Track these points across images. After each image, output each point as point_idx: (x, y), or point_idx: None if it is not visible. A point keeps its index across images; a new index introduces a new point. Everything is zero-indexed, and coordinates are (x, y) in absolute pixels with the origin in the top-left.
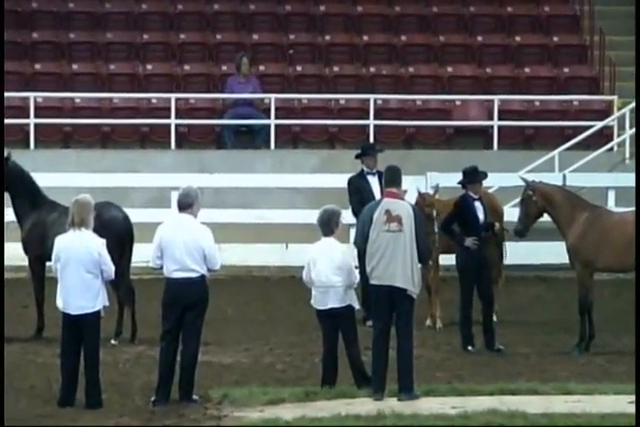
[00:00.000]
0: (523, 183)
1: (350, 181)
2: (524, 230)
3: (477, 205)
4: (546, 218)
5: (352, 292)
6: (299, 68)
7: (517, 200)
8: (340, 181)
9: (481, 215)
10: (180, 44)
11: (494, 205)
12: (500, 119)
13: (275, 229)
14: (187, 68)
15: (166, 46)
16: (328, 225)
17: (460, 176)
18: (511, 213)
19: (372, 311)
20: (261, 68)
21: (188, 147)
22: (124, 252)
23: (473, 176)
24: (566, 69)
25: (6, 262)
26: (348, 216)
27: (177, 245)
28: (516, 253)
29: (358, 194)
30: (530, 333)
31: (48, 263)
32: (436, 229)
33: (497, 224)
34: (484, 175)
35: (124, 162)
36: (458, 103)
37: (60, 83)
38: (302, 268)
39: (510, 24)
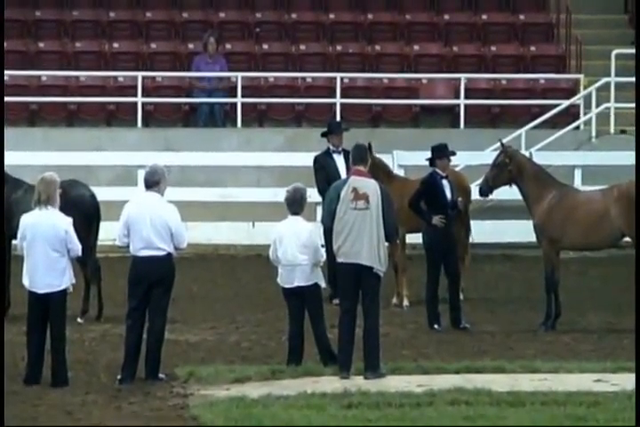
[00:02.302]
0: (489, 162)
1: (316, 160)
2: (488, 191)
3: (445, 183)
4: (511, 196)
5: (318, 270)
6: (265, 47)
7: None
8: (307, 159)
9: (448, 193)
10: (147, 22)
11: (462, 183)
12: (466, 98)
13: (241, 207)
14: (153, 46)
15: (133, 24)
16: (294, 203)
17: (426, 154)
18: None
19: (339, 289)
20: (228, 46)
21: (155, 125)
22: (90, 230)
23: (442, 152)
24: (533, 48)
25: None
26: (314, 194)
27: (143, 223)
28: (483, 231)
29: (324, 172)
30: (496, 311)
31: (13, 241)
32: None
33: (461, 200)
34: (453, 152)
35: (91, 140)
36: (424, 82)
37: (25, 61)
38: (269, 246)
39: (477, 2)
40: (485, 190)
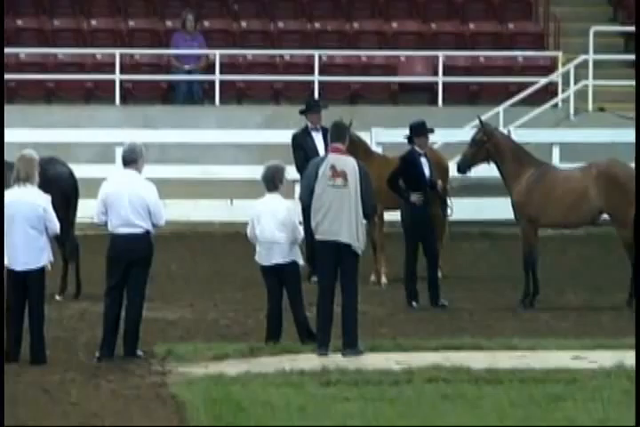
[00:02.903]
0: (467, 139)
1: (294, 138)
2: (465, 168)
3: (423, 160)
4: (490, 174)
5: (296, 248)
6: (243, 24)
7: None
8: (285, 137)
9: (427, 171)
10: (126, 0)
11: (440, 160)
12: (444, 75)
13: (219, 184)
14: (131, 23)
15: (111, 1)
16: (272, 181)
17: (405, 132)
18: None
19: (317, 267)
20: (206, 23)
21: (133, 102)
22: (68, 208)
23: (420, 129)
24: (511, 25)
25: None
26: (292, 172)
27: (121, 200)
28: (461, 209)
29: (302, 150)
30: (474, 289)
31: None
32: None
33: (439, 182)
34: (431, 130)
35: (69, 117)
36: (403, 59)
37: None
38: (247, 224)
39: None
40: (463, 168)
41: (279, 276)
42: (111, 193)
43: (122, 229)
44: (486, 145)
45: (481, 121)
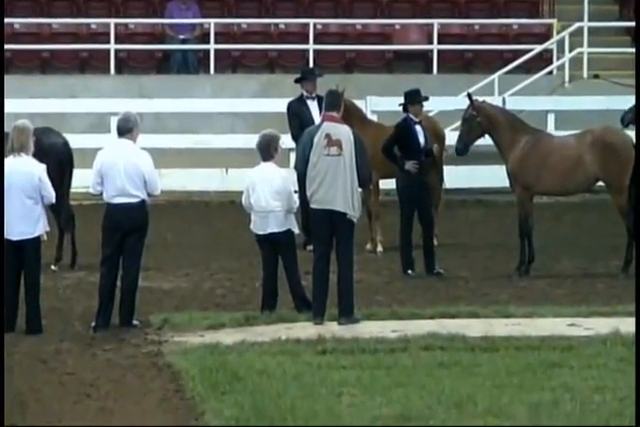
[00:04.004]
0: (463, 107)
1: (290, 106)
2: (464, 149)
3: (418, 128)
4: (485, 142)
5: (292, 216)
6: None
7: (458, 123)
8: (280, 105)
9: (422, 139)
10: None
11: (436, 128)
12: (439, 43)
13: (214, 153)
14: None
15: None
16: (267, 150)
17: (400, 100)
18: (452, 137)
19: (313, 236)
20: None
21: (128, 72)
22: (64, 177)
23: (415, 97)
24: None
25: None
26: (287, 141)
27: (117, 170)
28: (456, 176)
29: (298, 118)
30: (470, 256)
31: None
32: None
33: (435, 146)
34: (426, 98)
35: (64, 87)
36: (397, 27)
37: None
38: (242, 193)
39: None
40: (462, 149)
41: (274, 245)
42: (106, 163)
43: (118, 199)
44: (478, 119)
45: (470, 97)
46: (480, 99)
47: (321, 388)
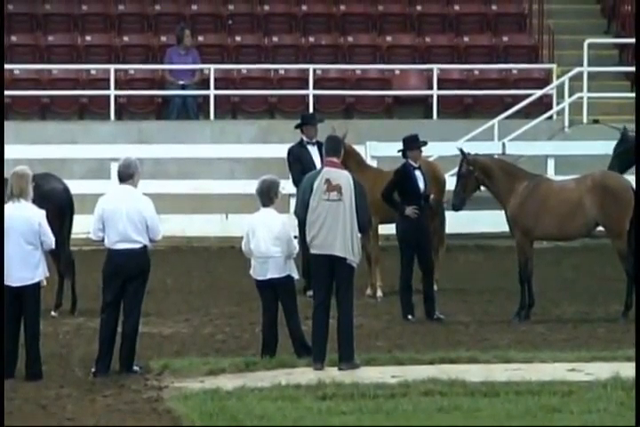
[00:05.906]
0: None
1: (290, 151)
2: (460, 204)
3: (418, 173)
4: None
5: (292, 262)
6: (238, 39)
7: (457, 170)
8: (280, 151)
9: (421, 184)
10: (119, 15)
11: (436, 173)
12: (439, 88)
13: (214, 199)
14: (126, 39)
15: (105, 17)
16: (267, 195)
17: (400, 145)
18: (452, 182)
19: (313, 281)
20: (200, 38)
21: (128, 118)
22: (63, 223)
23: (413, 143)
24: (505, 38)
25: None
26: (288, 186)
27: (120, 216)
28: (456, 221)
29: (299, 164)
30: (470, 301)
31: None
32: None
33: (432, 195)
34: (424, 143)
35: (64, 133)
36: (397, 72)
37: None
38: (242, 238)
39: None
40: (459, 205)
41: (274, 290)
42: (108, 209)
43: (120, 245)
44: (475, 174)
45: (462, 152)
46: (479, 144)
47: None
